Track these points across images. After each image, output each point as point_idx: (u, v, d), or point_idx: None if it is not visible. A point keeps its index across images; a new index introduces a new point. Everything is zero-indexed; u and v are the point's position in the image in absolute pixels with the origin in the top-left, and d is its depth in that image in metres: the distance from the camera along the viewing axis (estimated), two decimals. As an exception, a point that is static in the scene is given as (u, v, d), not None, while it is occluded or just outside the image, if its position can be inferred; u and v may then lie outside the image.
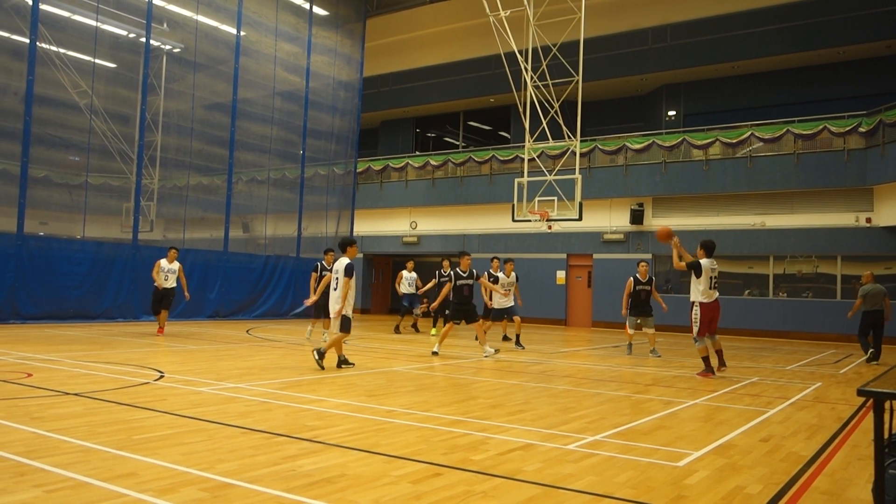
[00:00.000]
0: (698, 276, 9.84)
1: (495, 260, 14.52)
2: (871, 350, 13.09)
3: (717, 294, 10.00)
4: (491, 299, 13.87)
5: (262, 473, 4.13)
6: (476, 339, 13.47)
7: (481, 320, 12.70)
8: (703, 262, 9.87)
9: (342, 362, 9.58)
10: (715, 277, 9.91)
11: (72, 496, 3.60)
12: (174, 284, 14.19)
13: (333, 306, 9.37)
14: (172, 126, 19.92)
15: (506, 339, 15.37)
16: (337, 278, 9.35)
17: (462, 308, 12.08)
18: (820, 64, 22.19)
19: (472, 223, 25.44)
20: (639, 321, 12.92)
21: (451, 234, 25.87)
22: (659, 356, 12.76)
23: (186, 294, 14.59)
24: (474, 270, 12.28)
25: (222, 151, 20.57)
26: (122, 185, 18.99)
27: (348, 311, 9.34)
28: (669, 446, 5.27)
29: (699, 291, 9.83)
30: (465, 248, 25.29)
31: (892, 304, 13.80)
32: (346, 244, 9.58)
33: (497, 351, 12.11)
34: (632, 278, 12.82)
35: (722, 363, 10.29)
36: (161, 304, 14.04)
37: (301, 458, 4.51)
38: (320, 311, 13.36)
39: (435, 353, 11.84)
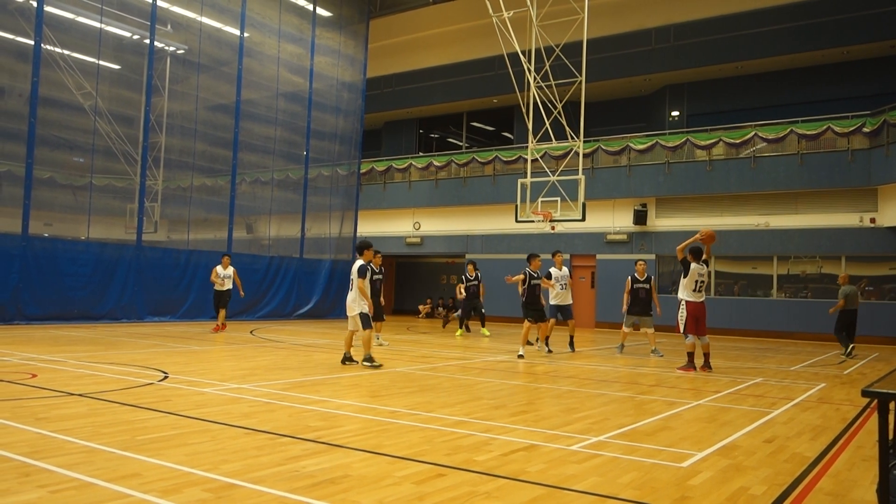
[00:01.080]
0: (685, 275, 10.51)
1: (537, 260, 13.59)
2: (851, 346, 13.79)
3: (704, 296, 10.60)
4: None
5: (265, 474, 4.14)
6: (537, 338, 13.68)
7: (550, 321, 13.17)
8: (693, 264, 10.52)
9: (367, 359, 9.84)
10: (701, 281, 10.51)
11: (76, 496, 3.61)
12: (230, 287, 15.86)
13: (353, 307, 9.77)
14: (176, 127, 19.97)
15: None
16: (352, 279, 9.82)
17: (534, 308, 12.42)
18: (824, 64, 22.14)
19: (475, 224, 25.43)
20: (637, 321, 13.16)
21: (455, 234, 25.86)
22: (661, 356, 12.81)
23: (241, 292, 16.48)
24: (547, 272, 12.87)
25: (226, 152, 20.61)
26: (126, 186, 19.06)
27: (365, 308, 9.73)
28: (673, 447, 5.27)
29: (685, 290, 10.50)
30: (469, 249, 25.28)
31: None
32: (362, 247, 10.08)
33: (521, 357, 11.90)
34: (630, 277, 13.17)
35: (707, 365, 10.57)
36: (219, 305, 15.77)
37: (305, 459, 4.52)
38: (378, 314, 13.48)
39: (521, 357, 11.81)
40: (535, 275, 12.49)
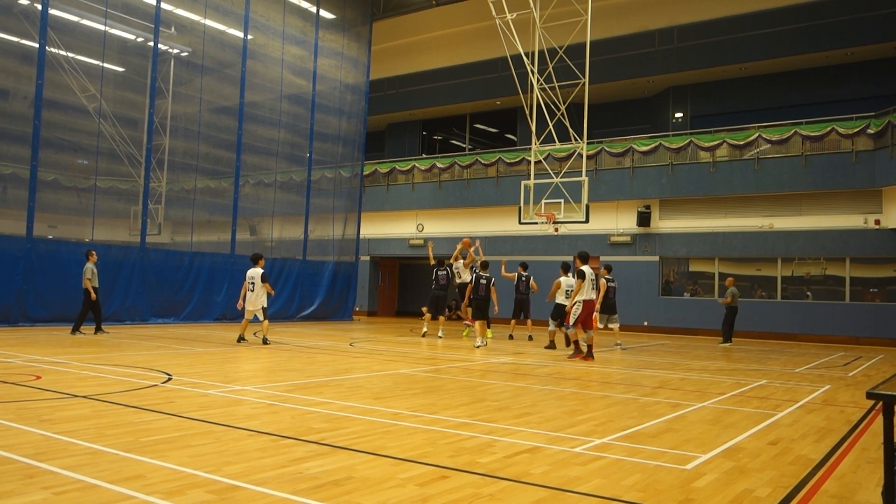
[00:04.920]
0: (583, 280, 11.61)
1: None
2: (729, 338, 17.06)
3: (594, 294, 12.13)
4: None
5: (269, 476, 4.14)
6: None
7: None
8: (585, 268, 11.74)
9: (265, 340, 13.18)
10: (593, 280, 11.90)
11: (80, 498, 3.61)
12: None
13: (257, 303, 12.97)
14: (180, 129, 20.01)
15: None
16: (253, 282, 12.98)
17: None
18: (828, 65, 22.10)
19: (478, 225, 25.42)
20: (607, 319, 15.02)
21: (458, 236, 25.75)
22: (624, 349, 14.54)
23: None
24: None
25: (229, 154, 20.65)
26: (130, 188, 19.09)
27: (265, 304, 13.11)
28: (677, 449, 5.25)
29: (584, 293, 11.68)
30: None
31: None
32: (257, 258, 13.32)
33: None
34: (602, 279, 14.94)
35: (590, 355, 11.90)
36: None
37: (308, 461, 4.52)
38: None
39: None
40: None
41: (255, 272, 13.04)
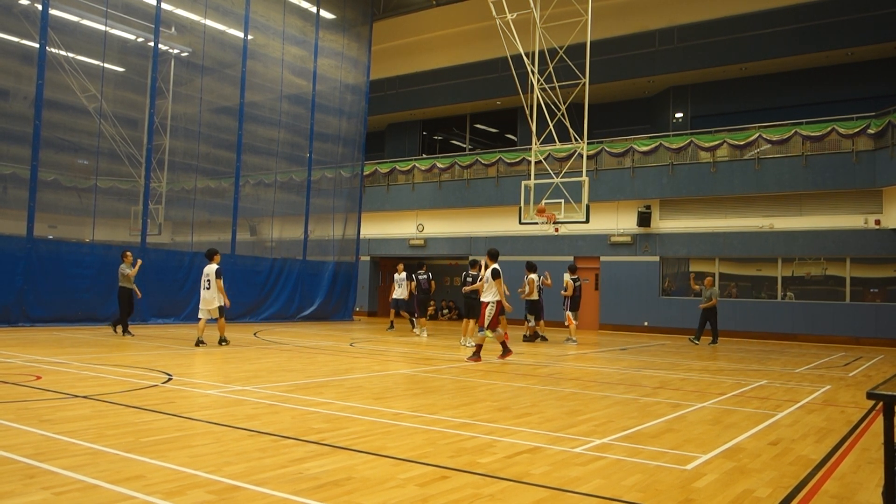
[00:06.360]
0: (496, 278, 11.23)
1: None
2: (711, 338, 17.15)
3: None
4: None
5: (269, 476, 4.14)
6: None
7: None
8: (497, 266, 11.39)
9: (222, 340, 12.72)
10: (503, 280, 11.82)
11: (80, 498, 3.61)
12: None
13: (213, 303, 12.31)
14: (180, 129, 20.01)
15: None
16: (208, 279, 12.32)
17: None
18: (828, 65, 22.09)
19: (478, 226, 25.43)
20: (574, 315, 16.29)
21: (458, 236, 25.86)
22: (574, 343, 15.82)
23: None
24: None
25: (229, 155, 20.65)
26: (130, 188, 19.09)
27: (223, 302, 12.46)
28: (677, 449, 5.25)
29: (495, 292, 11.26)
30: (472, 250, 25.25)
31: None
32: (212, 253, 12.63)
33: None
34: (570, 280, 16.15)
35: (477, 356, 11.34)
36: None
37: (308, 461, 4.52)
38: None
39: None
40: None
41: (210, 269, 12.36)
